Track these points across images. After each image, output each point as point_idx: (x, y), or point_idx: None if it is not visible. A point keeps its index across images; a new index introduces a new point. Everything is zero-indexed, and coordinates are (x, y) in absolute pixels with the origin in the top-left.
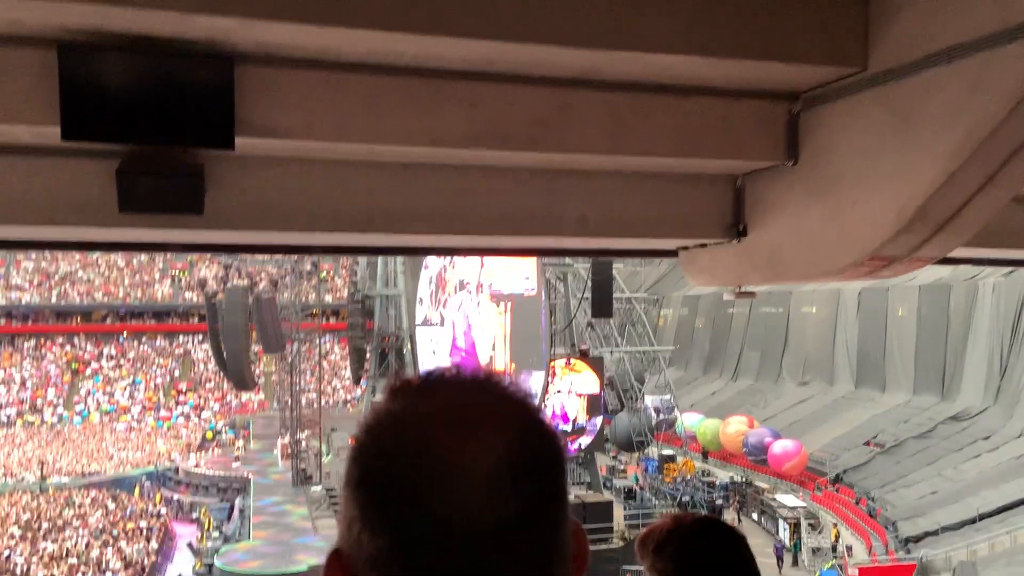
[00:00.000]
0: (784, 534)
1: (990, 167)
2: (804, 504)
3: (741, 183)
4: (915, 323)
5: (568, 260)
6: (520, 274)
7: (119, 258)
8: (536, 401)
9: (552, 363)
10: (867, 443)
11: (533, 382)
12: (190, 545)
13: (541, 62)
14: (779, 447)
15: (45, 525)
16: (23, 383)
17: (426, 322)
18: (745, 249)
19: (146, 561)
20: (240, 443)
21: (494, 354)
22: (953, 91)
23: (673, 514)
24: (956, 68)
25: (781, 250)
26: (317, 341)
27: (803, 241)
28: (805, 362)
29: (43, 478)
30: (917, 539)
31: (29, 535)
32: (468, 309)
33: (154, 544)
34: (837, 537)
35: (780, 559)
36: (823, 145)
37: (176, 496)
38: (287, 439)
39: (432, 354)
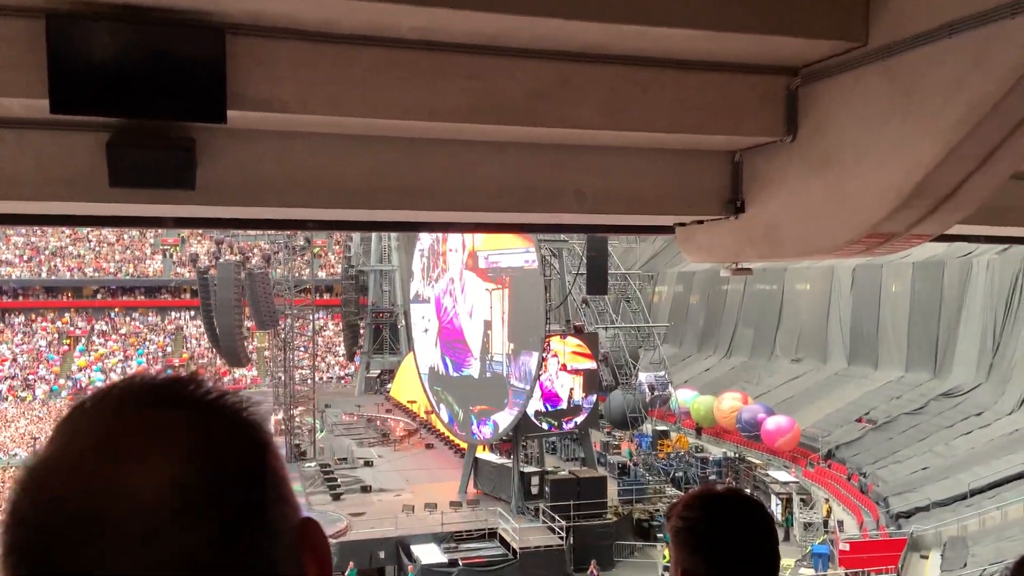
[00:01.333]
0: (776, 509)
1: (990, 142)
2: (796, 480)
3: (739, 159)
4: (908, 300)
5: (563, 236)
6: (520, 246)
7: (110, 233)
8: (530, 383)
9: (547, 340)
10: (859, 419)
11: (532, 364)
12: None
13: (542, 36)
14: (772, 423)
15: None
16: (14, 359)
17: (418, 297)
18: (742, 225)
19: None
20: None
21: (491, 333)
22: (954, 65)
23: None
24: (957, 42)
25: (779, 226)
26: (311, 317)
27: (801, 217)
28: (799, 339)
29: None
30: (908, 515)
31: None
32: (457, 286)
33: None
34: (829, 512)
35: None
36: (822, 120)
37: None
38: (281, 415)
39: (424, 332)
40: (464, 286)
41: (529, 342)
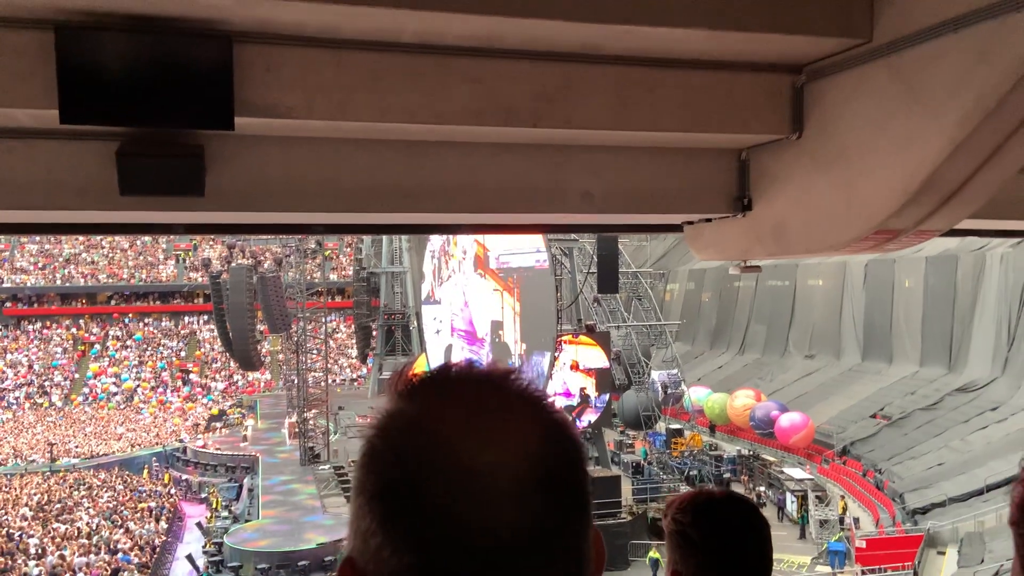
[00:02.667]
0: (792, 507)
1: (997, 137)
2: (811, 477)
3: (746, 156)
4: (922, 295)
5: (573, 235)
6: (530, 246)
7: (123, 240)
8: (543, 383)
9: (559, 339)
10: (874, 415)
11: (545, 364)
12: (199, 525)
13: (545, 37)
14: (786, 420)
15: (56, 506)
16: (30, 366)
17: (429, 299)
18: (750, 223)
19: (156, 541)
20: (248, 423)
21: (503, 334)
22: (960, 60)
23: (702, 487)
24: (963, 37)
25: (786, 224)
26: (323, 319)
27: (808, 214)
28: (811, 335)
29: (53, 460)
30: (924, 511)
31: (41, 516)
32: (465, 287)
33: (164, 524)
34: (844, 509)
35: (781, 508)
36: (828, 117)
37: (185, 476)
38: (294, 418)
39: (436, 333)
40: (475, 287)
41: (541, 342)
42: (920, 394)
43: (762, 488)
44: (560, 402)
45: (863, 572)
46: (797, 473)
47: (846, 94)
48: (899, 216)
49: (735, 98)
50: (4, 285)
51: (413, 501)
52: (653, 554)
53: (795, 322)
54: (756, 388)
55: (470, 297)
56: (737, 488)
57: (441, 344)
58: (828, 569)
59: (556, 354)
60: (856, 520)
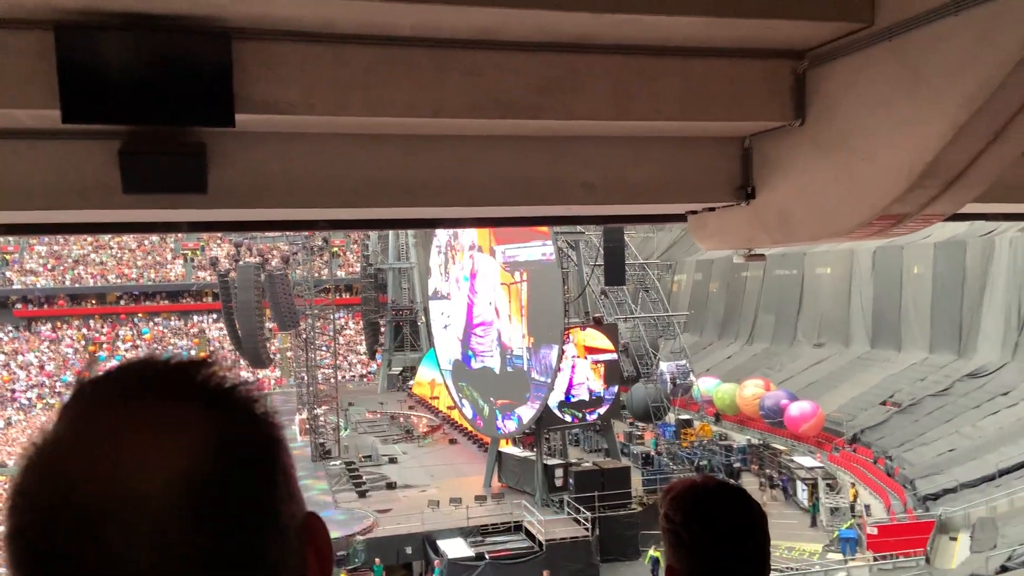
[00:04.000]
0: (803, 495)
1: (999, 119)
2: (822, 465)
3: (749, 144)
4: (931, 281)
5: (579, 227)
6: (536, 239)
7: (131, 240)
8: (551, 376)
9: (568, 332)
10: (884, 403)
11: (553, 357)
12: None
13: (543, 28)
14: (796, 409)
15: None
16: (41, 367)
17: (436, 294)
18: (754, 211)
19: None
20: None
21: (511, 328)
22: (962, 42)
23: (704, 474)
24: (964, 19)
25: (790, 211)
26: (331, 316)
27: (812, 201)
28: (820, 323)
29: None
30: (935, 497)
31: None
32: (474, 282)
33: None
34: (855, 497)
35: (786, 490)
36: (831, 103)
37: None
38: (305, 415)
39: (444, 328)
40: (482, 281)
41: (549, 335)
42: (930, 380)
43: (772, 472)
44: (570, 398)
45: (875, 559)
46: (807, 461)
47: (848, 79)
48: (903, 201)
49: (737, 86)
50: (14, 287)
51: (37, 554)
52: (654, 552)
53: (803, 311)
54: (765, 377)
55: (480, 291)
56: (748, 478)
57: (450, 338)
58: (840, 556)
59: (563, 347)
60: (867, 507)
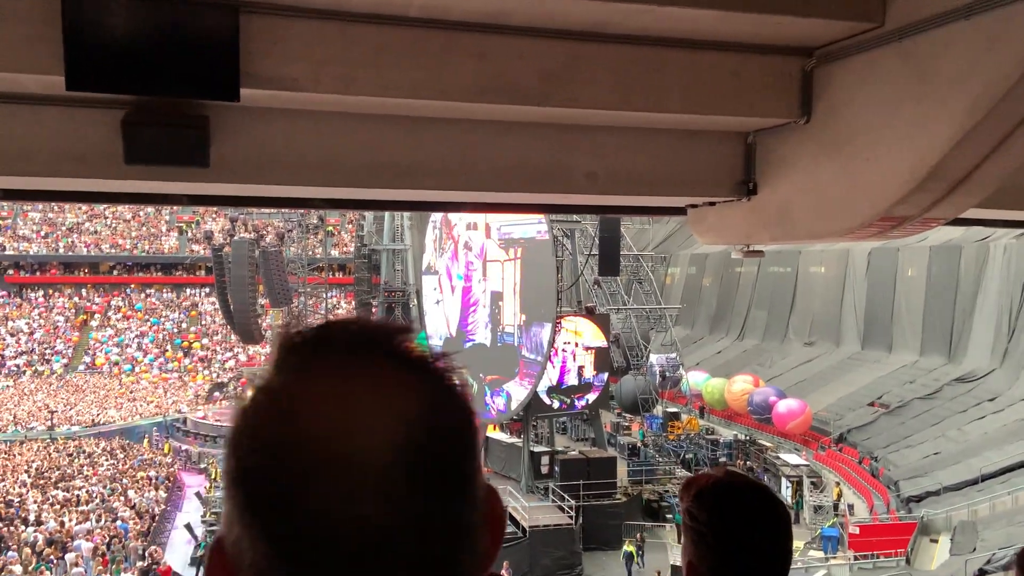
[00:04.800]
0: (786, 492)
1: (1005, 125)
2: (807, 463)
3: (752, 140)
4: (924, 284)
5: (575, 216)
6: (531, 217)
7: (126, 210)
8: (543, 356)
9: (559, 319)
10: (872, 403)
11: (545, 334)
12: (198, 494)
13: (552, 14)
14: (784, 406)
15: (56, 473)
16: (31, 334)
17: (429, 269)
18: (754, 207)
19: (155, 509)
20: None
21: (502, 304)
22: (970, 47)
23: (725, 468)
24: (974, 23)
25: (791, 209)
26: (324, 295)
27: (814, 200)
28: (812, 322)
29: (52, 427)
30: (919, 499)
31: (40, 483)
32: (467, 257)
33: (163, 493)
34: (839, 496)
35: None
36: (837, 102)
37: (185, 447)
38: None
39: (435, 304)
40: (476, 256)
41: (541, 313)
42: (919, 383)
43: (752, 465)
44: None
45: (855, 558)
46: (793, 459)
47: (856, 79)
48: (905, 203)
49: (743, 80)
50: (6, 252)
51: (269, 493)
52: (628, 547)
53: (796, 309)
54: (755, 374)
55: (472, 266)
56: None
57: (441, 313)
58: (821, 554)
59: (556, 332)
60: (850, 507)
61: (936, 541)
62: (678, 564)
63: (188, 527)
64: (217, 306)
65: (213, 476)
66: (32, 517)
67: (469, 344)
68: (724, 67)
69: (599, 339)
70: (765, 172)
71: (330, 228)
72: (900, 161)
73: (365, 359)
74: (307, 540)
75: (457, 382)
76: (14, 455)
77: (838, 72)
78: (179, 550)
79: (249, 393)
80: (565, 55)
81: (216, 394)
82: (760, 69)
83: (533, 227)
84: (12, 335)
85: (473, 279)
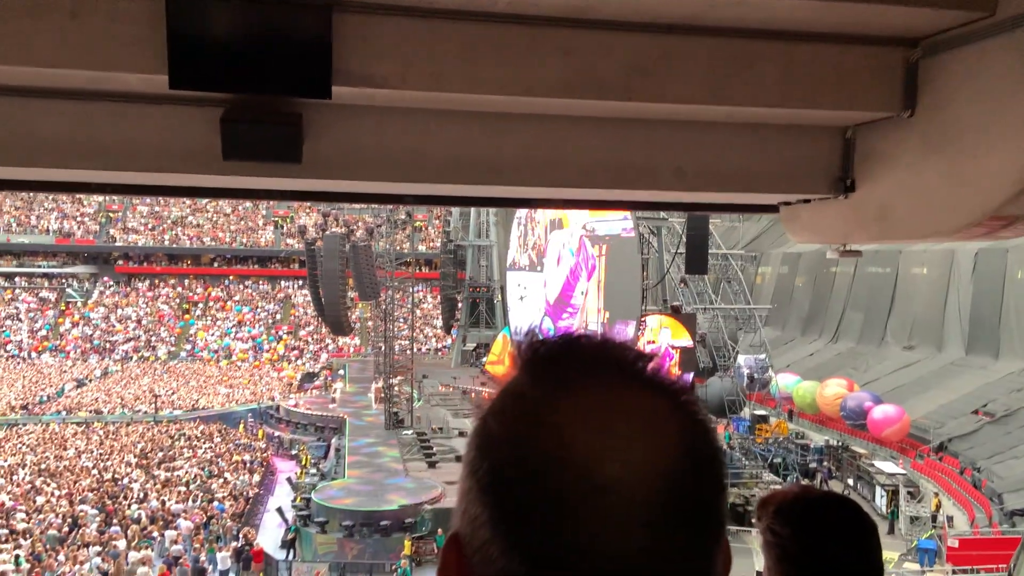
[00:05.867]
0: (881, 501)
1: None
2: (904, 472)
3: (851, 135)
4: None
5: (662, 214)
6: (616, 214)
7: (226, 205)
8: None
9: (643, 317)
10: (976, 411)
11: (629, 332)
12: (289, 480)
13: (640, 8)
14: (880, 412)
15: (159, 454)
16: (139, 321)
17: (514, 265)
18: (852, 205)
19: (249, 492)
20: (337, 386)
21: (586, 301)
22: None
23: (803, 484)
24: None
25: (892, 207)
26: (410, 289)
27: (916, 198)
28: (912, 325)
29: (156, 411)
30: (1023, 513)
31: (144, 463)
32: (558, 253)
33: (257, 477)
34: (938, 507)
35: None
36: (943, 95)
37: (277, 433)
38: (380, 383)
39: (520, 300)
40: (562, 253)
41: (625, 311)
42: None
43: (849, 481)
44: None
45: (954, 572)
46: (888, 467)
47: (963, 71)
48: (1016, 202)
49: (842, 73)
50: (116, 244)
51: (529, 507)
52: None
53: (895, 311)
54: (848, 378)
55: (560, 262)
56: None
57: (525, 311)
58: (917, 567)
59: (640, 331)
60: (950, 518)
61: None
62: (761, 571)
63: (279, 511)
64: (309, 298)
65: (304, 462)
66: (136, 495)
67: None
68: (822, 59)
69: (684, 338)
70: (864, 168)
71: (418, 224)
72: (1010, 158)
73: (620, 380)
74: (570, 565)
75: (703, 412)
76: (121, 436)
77: (945, 64)
78: (271, 533)
79: (500, 396)
80: (654, 49)
81: (307, 384)
82: (861, 61)
83: (619, 224)
84: (120, 322)
85: (557, 274)
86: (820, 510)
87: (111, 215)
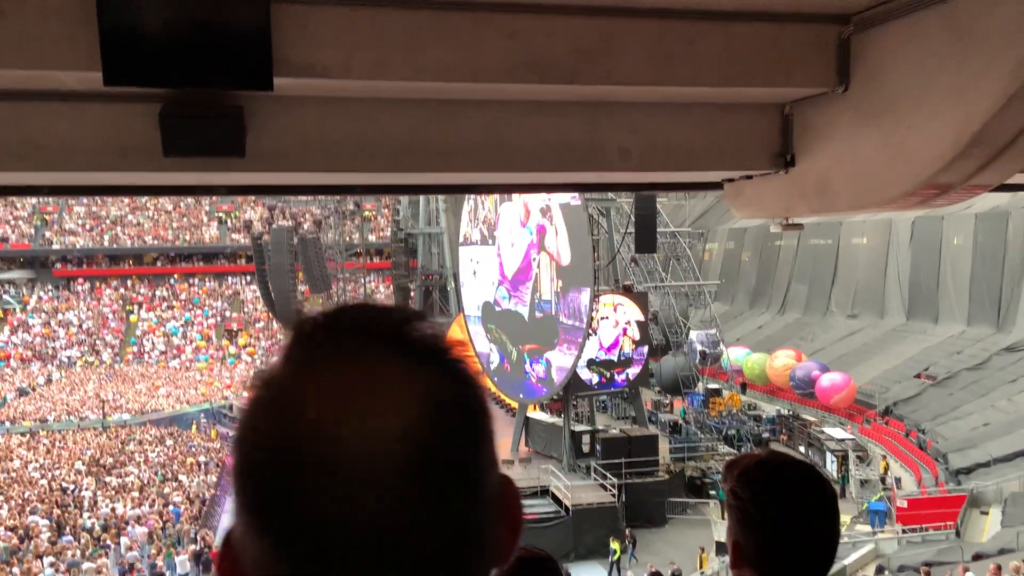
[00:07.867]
0: (831, 467)
1: None
2: (852, 437)
3: (789, 111)
4: (971, 252)
5: (611, 195)
6: None
7: (167, 201)
8: (583, 321)
9: (597, 297)
10: (918, 375)
11: (584, 299)
12: None
13: None
14: (827, 380)
15: (109, 460)
16: (80, 325)
17: (466, 240)
18: (793, 179)
19: (206, 494)
20: None
21: (538, 272)
22: (1015, 6)
23: (771, 449)
24: None
25: (831, 180)
26: (362, 280)
27: (854, 170)
28: (855, 294)
29: (104, 416)
30: (968, 471)
31: (95, 470)
32: (507, 225)
33: (213, 478)
34: (886, 469)
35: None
36: (876, 69)
37: (231, 432)
38: None
39: (472, 275)
40: (511, 224)
41: (579, 278)
42: (967, 354)
43: (800, 448)
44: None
45: (904, 531)
46: (838, 433)
47: (895, 45)
48: (948, 170)
49: (779, 50)
50: (54, 247)
51: (269, 491)
52: (614, 544)
53: (838, 281)
54: (797, 348)
55: (509, 234)
56: (777, 447)
57: (478, 285)
58: (868, 528)
59: (595, 307)
60: (898, 480)
61: (986, 513)
62: (722, 540)
63: None
64: (259, 293)
65: None
66: (87, 503)
67: (507, 308)
68: (759, 37)
69: (637, 314)
70: (803, 143)
71: (367, 214)
72: (943, 127)
73: (372, 350)
74: (306, 541)
75: (467, 372)
76: (68, 443)
77: (877, 38)
78: None
79: (256, 384)
80: (597, 31)
81: None
82: (797, 38)
83: (566, 195)
84: (62, 327)
85: (507, 246)
86: (781, 473)
87: (46, 217)
